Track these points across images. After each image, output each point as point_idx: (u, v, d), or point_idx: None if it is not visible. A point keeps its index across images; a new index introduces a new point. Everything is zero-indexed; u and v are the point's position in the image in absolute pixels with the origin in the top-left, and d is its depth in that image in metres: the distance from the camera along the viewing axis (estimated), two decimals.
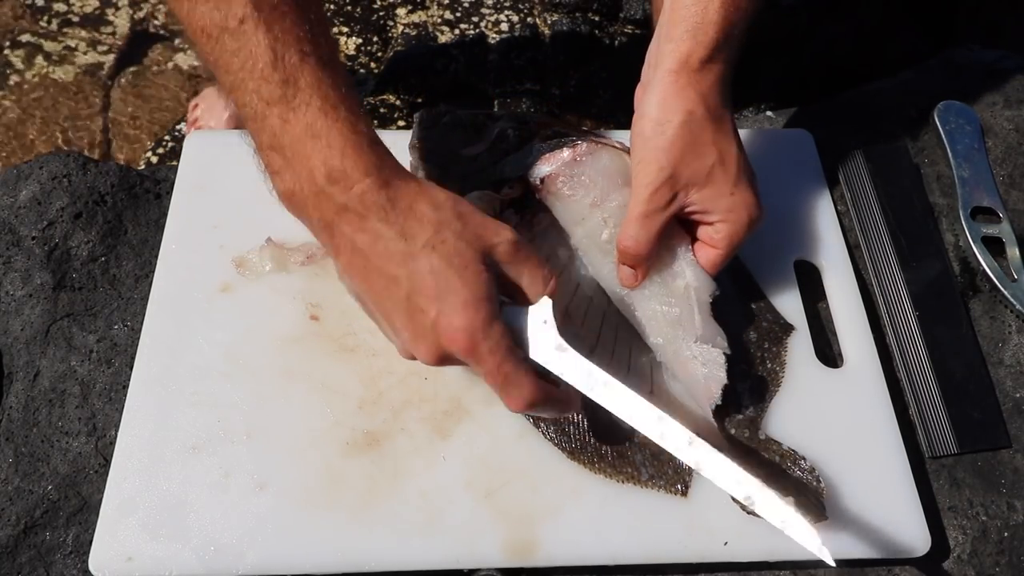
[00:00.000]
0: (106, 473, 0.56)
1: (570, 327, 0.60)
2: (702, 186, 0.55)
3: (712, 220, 0.56)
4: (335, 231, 0.47)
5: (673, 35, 0.54)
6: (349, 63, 1.42)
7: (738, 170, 0.55)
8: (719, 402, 0.57)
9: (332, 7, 1.49)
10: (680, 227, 0.58)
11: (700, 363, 0.57)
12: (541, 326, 0.49)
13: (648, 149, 0.54)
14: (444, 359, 0.47)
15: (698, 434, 0.56)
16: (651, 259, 0.57)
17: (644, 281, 0.58)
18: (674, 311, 0.58)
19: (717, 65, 0.54)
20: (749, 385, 0.60)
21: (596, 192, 0.61)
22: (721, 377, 0.56)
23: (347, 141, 0.46)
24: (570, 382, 0.49)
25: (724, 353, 0.57)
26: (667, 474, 0.56)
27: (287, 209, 0.49)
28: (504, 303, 0.49)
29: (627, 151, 0.62)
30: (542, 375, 0.49)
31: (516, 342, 0.48)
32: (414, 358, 0.49)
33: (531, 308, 0.49)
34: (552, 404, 0.49)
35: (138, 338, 0.61)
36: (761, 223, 0.57)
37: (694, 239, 0.59)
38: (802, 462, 0.56)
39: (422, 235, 0.46)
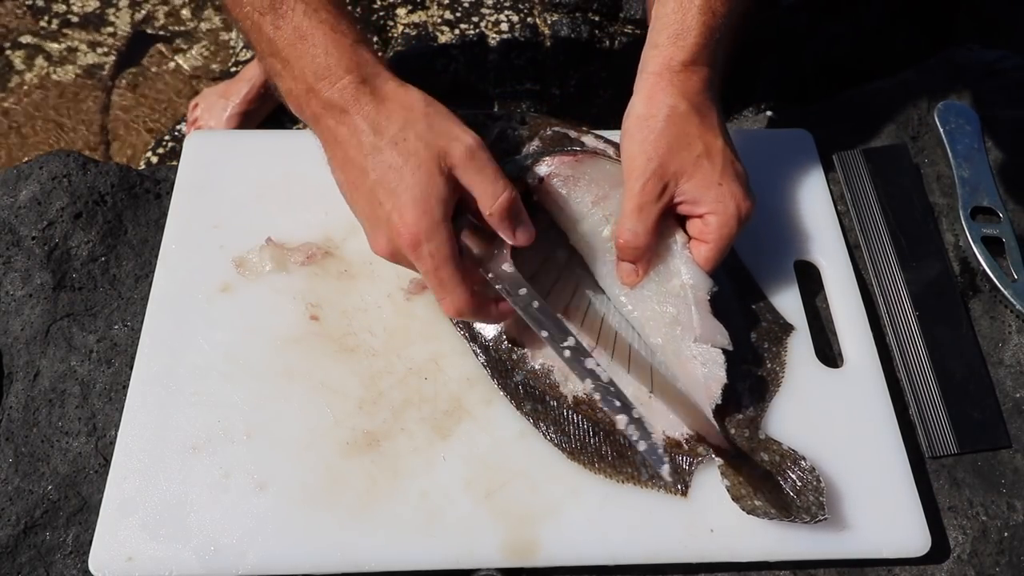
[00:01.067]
0: (106, 473, 0.56)
1: (568, 326, 0.60)
2: (690, 176, 0.56)
3: (701, 212, 0.57)
4: (322, 124, 0.52)
5: (657, 41, 0.56)
6: None
7: (724, 162, 0.56)
8: (719, 401, 0.57)
9: None
10: (675, 224, 0.59)
11: (700, 363, 0.57)
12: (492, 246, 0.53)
13: (635, 143, 0.56)
14: (396, 255, 0.52)
15: (698, 435, 0.57)
16: (650, 253, 0.58)
17: (642, 280, 0.58)
18: (671, 310, 0.58)
19: (699, 68, 0.56)
20: (749, 385, 0.60)
21: (596, 190, 0.61)
22: (721, 376, 0.56)
23: (329, 40, 0.51)
24: (508, 300, 0.54)
25: (725, 350, 0.57)
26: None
27: (290, 109, 0.54)
28: (466, 218, 0.53)
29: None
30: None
31: (468, 252, 0.53)
32: (380, 255, 0.53)
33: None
34: (483, 317, 0.54)
35: (138, 338, 0.61)
36: (751, 216, 0.57)
37: (689, 239, 0.59)
38: (802, 462, 0.56)
39: (389, 131, 0.50)
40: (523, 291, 0.54)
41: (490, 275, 0.55)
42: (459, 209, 0.53)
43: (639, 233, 0.56)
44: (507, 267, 0.55)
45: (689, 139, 0.55)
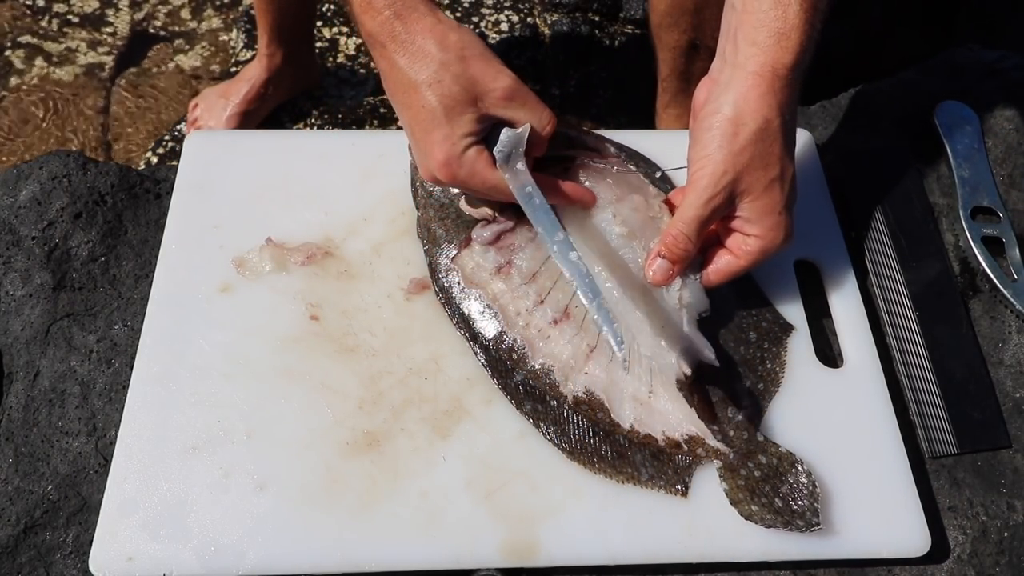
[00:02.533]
0: (106, 473, 0.56)
1: (569, 326, 0.60)
2: (757, 197, 0.54)
3: (750, 232, 0.56)
4: (373, 51, 0.55)
5: (757, 39, 0.52)
6: (349, 63, 1.42)
7: (791, 190, 0.55)
8: (688, 372, 0.57)
9: (332, 7, 1.49)
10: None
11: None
12: (514, 146, 0.56)
13: (717, 147, 0.53)
14: (438, 181, 0.56)
15: (697, 435, 0.57)
16: (691, 261, 0.57)
17: (631, 291, 0.58)
18: (658, 323, 0.58)
19: (799, 75, 0.53)
20: (748, 385, 0.60)
21: (610, 193, 0.61)
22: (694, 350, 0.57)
23: None
24: (516, 195, 0.57)
25: (712, 364, 0.57)
26: (667, 474, 0.56)
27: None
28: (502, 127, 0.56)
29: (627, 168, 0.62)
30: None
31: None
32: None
33: (507, 131, 0.55)
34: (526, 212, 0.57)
35: (138, 338, 0.61)
36: (786, 249, 0.57)
37: (719, 243, 0.58)
38: (800, 466, 0.56)
39: (424, 72, 0.52)
40: (529, 188, 0.57)
41: (507, 174, 0.57)
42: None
43: (692, 241, 0.56)
44: (520, 165, 0.57)
45: (770, 159, 0.53)
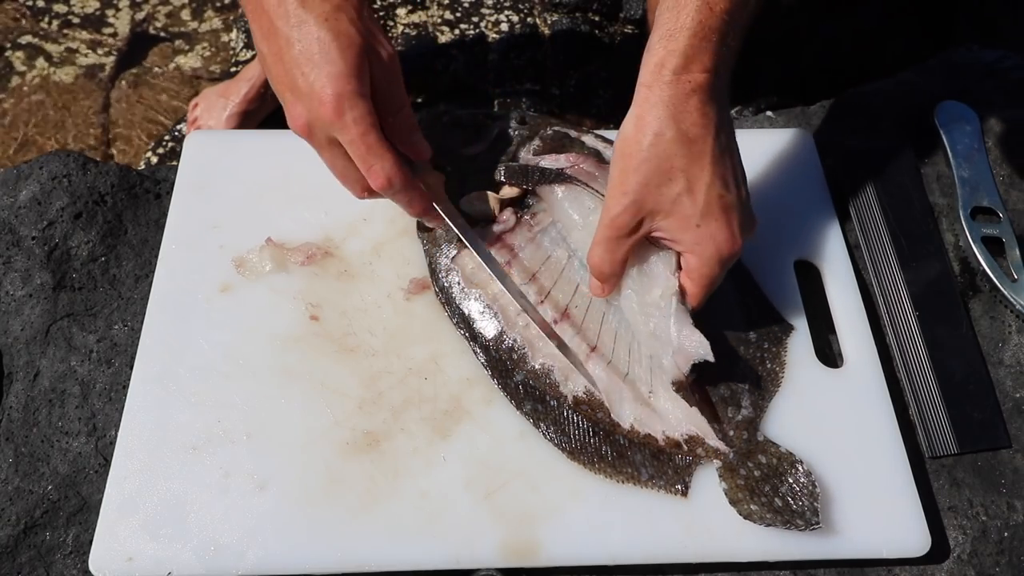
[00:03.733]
0: (106, 473, 0.56)
1: (568, 326, 0.60)
2: (667, 213, 0.52)
3: (681, 249, 0.55)
4: None
5: (650, 44, 0.51)
6: None
7: (708, 199, 0.51)
8: (687, 372, 0.56)
9: None
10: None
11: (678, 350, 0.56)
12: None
13: (617, 169, 0.52)
14: (310, 128, 0.52)
15: (697, 435, 0.57)
16: (617, 280, 0.57)
17: (625, 292, 0.58)
18: (651, 324, 0.57)
19: (694, 75, 0.50)
20: (748, 386, 0.60)
21: (600, 192, 0.61)
22: (697, 350, 0.55)
23: None
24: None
25: (707, 361, 0.55)
26: (667, 474, 0.56)
27: None
28: None
29: None
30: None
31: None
32: (294, 131, 0.53)
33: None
34: (410, 191, 0.55)
35: (138, 338, 0.61)
36: (735, 257, 0.54)
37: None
38: (799, 466, 0.56)
39: (319, 8, 0.50)
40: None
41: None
42: None
43: (606, 263, 0.55)
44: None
45: (671, 173, 0.51)
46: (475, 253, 0.60)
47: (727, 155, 0.52)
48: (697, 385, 0.58)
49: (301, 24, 0.50)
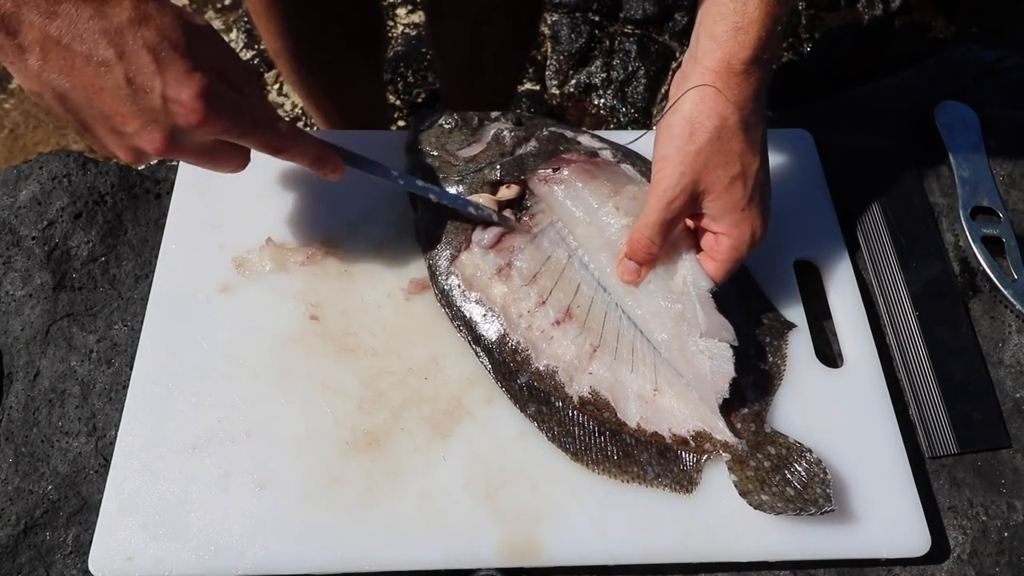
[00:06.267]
0: (106, 473, 0.56)
1: (571, 326, 0.60)
2: (718, 195, 0.54)
3: (717, 230, 0.56)
4: (20, 24, 0.42)
5: (715, 32, 0.52)
6: None
7: (755, 187, 0.54)
8: (726, 395, 0.56)
9: None
10: (682, 224, 0.59)
11: (707, 357, 0.56)
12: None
13: (675, 149, 0.54)
14: (175, 142, 0.46)
15: (705, 431, 0.57)
16: (659, 259, 0.58)
17: (646, 277, 0.58)
18: (677, 307, 0.58)
19: (759, 69, 0.52)
20: (753, 379, 0.60)
21: (604, 189, 0.61)
22: (728, 371, 0.56)
23: None
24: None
25: (731, 346, 0.57)
26: (673, 472, 0.56)
27: None
28: None
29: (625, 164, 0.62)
30: None
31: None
32: (140, 159, 0.48)
33: None
34: (303, 136, 0.54)
35: (138, 338, 0.61)
36: (762, 244, 0.56)
37: (698, 247, 0.59)
38: (808, 454, 0.56)
39: (122, 12, 0.43)
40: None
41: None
42: None
43: (657, 243, 0.56)
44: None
45: (730, 157, 0.53)
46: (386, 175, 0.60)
47: (766, 150, 0.56)
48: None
49: (115, 38, 0.43)
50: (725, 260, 0.56)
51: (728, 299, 0.62)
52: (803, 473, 0.55)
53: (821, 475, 0.55)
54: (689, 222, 0.59)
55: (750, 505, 0.54)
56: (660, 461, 0.56)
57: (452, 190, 0.64)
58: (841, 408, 0.60)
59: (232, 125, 0.48)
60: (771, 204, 0.57)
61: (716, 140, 0.53)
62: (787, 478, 0.55)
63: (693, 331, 0.57)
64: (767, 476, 0.55)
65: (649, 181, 0.64)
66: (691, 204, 0.55)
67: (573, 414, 0.58)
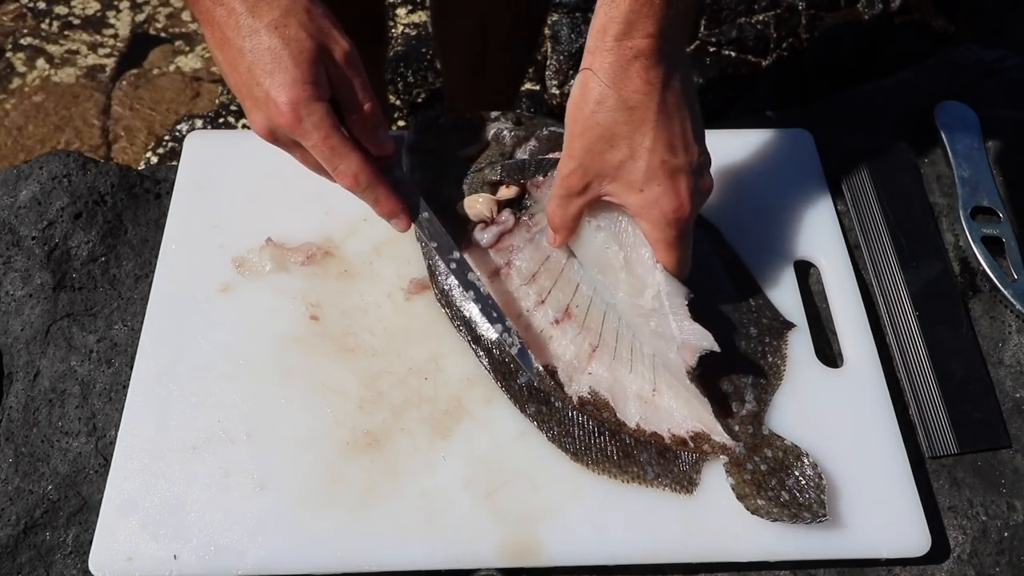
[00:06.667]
0: (106, 473, 0.56)
1: (570, 326, 0.60)
2: (613, 179, 0.54)
3: (631, 213, 0.56)
4: (201, 5, 0.52)
5: (597, 12, 0.51)
6: None
7: (650, 166, 0.52)
8: (693, 364, 0.55)
9: None
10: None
11: (680, 335, 0.56)
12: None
13: (566, 134, 0.54)
14: (273, 133, 0.53)
15: (703, 431, 0.57)
16: (570, 232, 0.59)
17: (620, 296, 0.59)
18: (652, 324, 0.57)
19: (636, 40, 0.49)
20: (751, 380, 0.60)
21: None
22: (700, 343, 0.55)
23: None
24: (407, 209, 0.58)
25: (711, 351, 0.55)
26: (672, 472, 0.56)
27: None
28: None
29: None
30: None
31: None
32: (258, 135, 0.54)
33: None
34: (379, 190, 0.56)
35: (138, 338, 0.61)
36: (683, 219, 0.54)
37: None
38: (805, 458, 0.56)
39: (268, 15, 0.50)
40: (421, 203, 0.59)
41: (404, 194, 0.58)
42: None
43: (557, 215, 0.58)
44: (399, 172, 0.58)
45: (613, 140, 0.52)
46: (445, 266, 0.60)
47: (675, 119, 0.52)
48: (701, 381, 0.58)
49: (252, 34, 0.50)
50: (654, 242, 0.55)
51: (728, 299, 0.62)
52: (799, 478, 0.55)
53: (816, 480, 0.55)
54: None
55: (747, 509, 0.54)
56: (660, 461, 0.56)
57: (451, 190, 0.63)
58: (841, 408, 0.60)
59: (315, 143, 0.52)
60: (699, 173, 0.54)
61: (594, 125, 0.52)
62: (783, 482, 0.55)
63: (671, 346, 0.56)
64: (763, 480, 0.55)
65: None
66: (588, 187, 0.55)
67: (573, 414, 0.58)
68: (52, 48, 1.55)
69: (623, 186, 0.54)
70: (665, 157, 0.52)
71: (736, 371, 0.59)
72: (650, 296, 0.57)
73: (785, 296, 0.65)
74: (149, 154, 1.39)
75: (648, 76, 0.50)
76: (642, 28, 0.49)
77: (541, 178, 0.63)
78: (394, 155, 0.59)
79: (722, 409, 0.58)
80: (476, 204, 0.62)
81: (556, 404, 0.58)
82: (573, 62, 1.41)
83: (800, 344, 0.63)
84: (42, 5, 1.61)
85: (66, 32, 1.58)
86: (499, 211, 0.63)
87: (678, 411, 0.57)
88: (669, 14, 0.49)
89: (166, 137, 1.41)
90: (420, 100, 1.51)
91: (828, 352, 0.65)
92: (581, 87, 0.52)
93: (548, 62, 1.42)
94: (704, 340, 0.55)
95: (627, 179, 0.53)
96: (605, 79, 0.50)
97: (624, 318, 0.60)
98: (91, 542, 0.53)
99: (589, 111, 0.52)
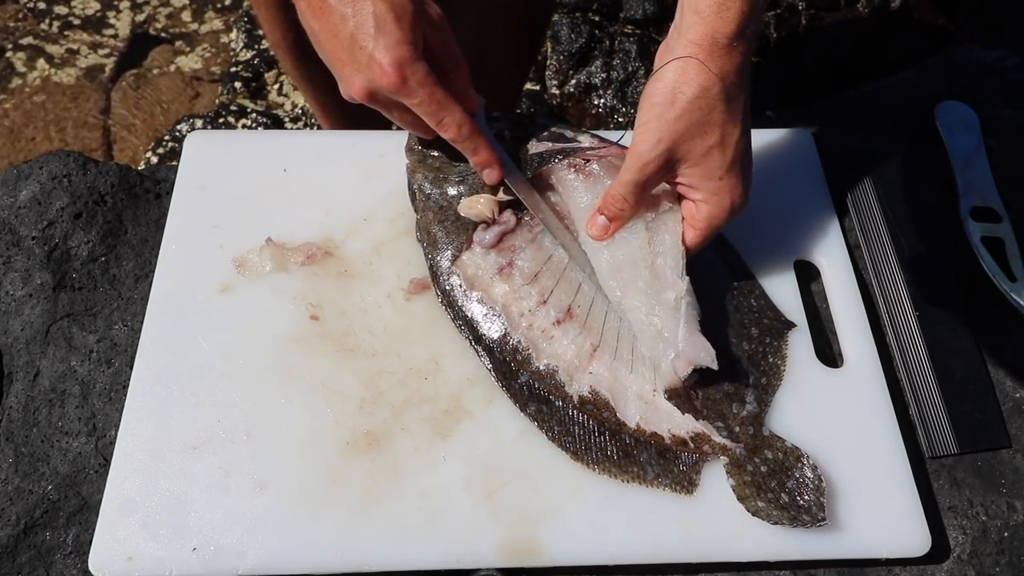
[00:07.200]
0: (106, 473, 0.56)
1: (572, 326, 0.60)
2: (695, 164, 0.55)
3: (695, 198, 0.57)
4: None
5: (699, 7, 0.53)
6: None
7: (735, 155, 0.55)
8: (686, 376, 0.56)
9: None
10: (677, 224, 0.58)
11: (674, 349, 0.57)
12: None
13: (654, 116, 0.55)
14: (373, 95, 0.55)
15: (703, 432, 0.57)
16: (629, 220, 0.59)
17: (634, 291, 0.58)
18: (657, 322, 0.57)
19: (742, 42, 0.53)
20: (751, 381, 0.60)
21: (608, 185, 0.61)
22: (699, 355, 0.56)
23: None
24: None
25: (709, 368, 0.56)
26: (672, 472, 0.56)
27: None
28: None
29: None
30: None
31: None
32: (353, 98, 0.56)
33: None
34: (479, 140, 0.59)
35: (138, 338, 0.61)
36: (743, 211, 0.57)
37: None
38: (805, 460, 0.56)
39: None
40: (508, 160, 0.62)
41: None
42: None
43: (627, 202, 0.58)
44: (486, 129, 0.60)
45: (708, 127, 0.54)
46: (535, 210, 0.62)
47: (748, 122, 0.56)
48: (702, 381, 0.58)
49: (356, 0, 0.53)
50: (703, 228, 0.58)
51: (728, 299, 0.62)
52: (799, 480, 0.55)
53: (816, 483, 0.55)
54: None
55: (747, 511, 0.54)
56: (660, 461, 0.56)
57: (452, 190, 0.64)
58: (841, 408, 0.60)
59: (419, 101, 0.55)
60: (750, 178, 0.57)
61: (696, 110, 0.54)
62: (783, 484, 0.55)
63: (668, 350, 0.57)
64: (763, 481, 0.55)
65: None
66: (666, 169, 0.56)
67: (573, 414, 0.58)
68: (52, 48, 1.55)
69: (704, 171, 0.56)
70: (745, 150, 0.56)
71: (736, 372, 0.59)
72: (672, 297, 0.58)
73: (785, 296, 0.65)
74: (149, 154, 1.39)
75: (743, 73, 0.55)
76: (745, 34, 0.53)
77: (557, 165, 0.63)
78: (480, 111, 0.62)
79: (722, 410, 0.58)
80: (477, 204, 0.62)
81: (556, 404, 0.58)
82: (573, 62, 1.41)
83: (800, 344, 0.63)
84: (42, 5, 1.61)
85: (66, 32, 1.58)
86: (500, 211, 0.63)
87: (678, 412, 0.57)
88: (759, 21, 0.54)
89: (166, 137, 1.41)
90: None
91: (828, 352, 0.65)
92: (680, 72, 0.54)
93: (548, 62, 1.42)
94: (703, 354, 0.56)
95: (711, 165, 0.55)
96: (714, 69, 0.53)
97: (626, 317, 0.59)
98: (91, 542, 0.53)
99: (692, 96, 0.54)
